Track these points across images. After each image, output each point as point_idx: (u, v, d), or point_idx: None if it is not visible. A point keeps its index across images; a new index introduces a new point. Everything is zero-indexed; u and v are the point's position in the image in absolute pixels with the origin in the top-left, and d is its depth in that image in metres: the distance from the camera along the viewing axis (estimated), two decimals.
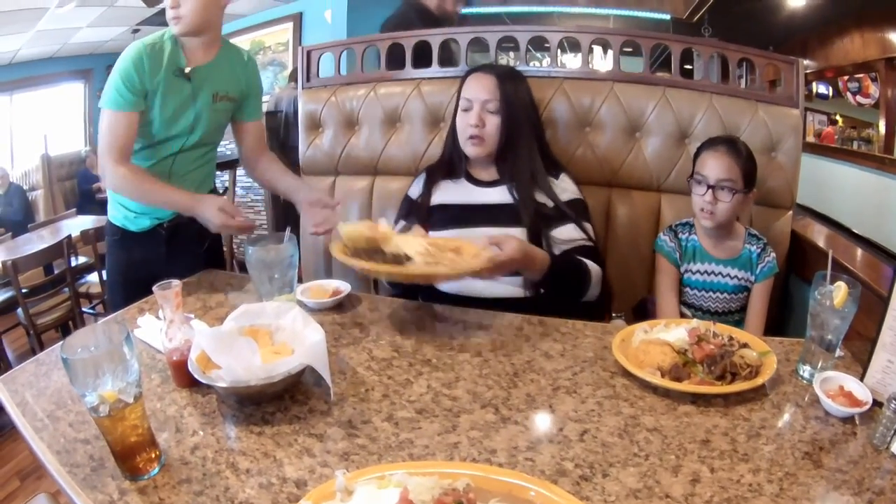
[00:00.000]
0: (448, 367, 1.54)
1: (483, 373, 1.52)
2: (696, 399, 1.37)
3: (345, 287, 2.01)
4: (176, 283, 1.40)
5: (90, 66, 8.15)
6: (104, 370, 1.06)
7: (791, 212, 2.37)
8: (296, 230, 2.00)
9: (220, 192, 2.71)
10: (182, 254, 2.35)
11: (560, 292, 1.98)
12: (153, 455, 1.16)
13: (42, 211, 6.92)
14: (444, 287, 2.11)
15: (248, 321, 1.49)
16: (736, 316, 2.24)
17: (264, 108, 6.94)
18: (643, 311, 2.44)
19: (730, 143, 2.12)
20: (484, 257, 1.70)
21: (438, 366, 1.55)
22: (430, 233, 2.11)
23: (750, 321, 2.19)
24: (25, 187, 6.90)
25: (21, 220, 6.02)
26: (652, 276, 2.41)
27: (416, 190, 2.29)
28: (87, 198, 7.30)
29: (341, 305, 1.96)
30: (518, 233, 2.02)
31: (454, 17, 3.75)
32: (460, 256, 1.74)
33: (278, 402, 1.36)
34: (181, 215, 2.26)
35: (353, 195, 2.76)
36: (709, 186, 2.09)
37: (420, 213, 2.19)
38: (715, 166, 2.09)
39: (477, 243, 1.81)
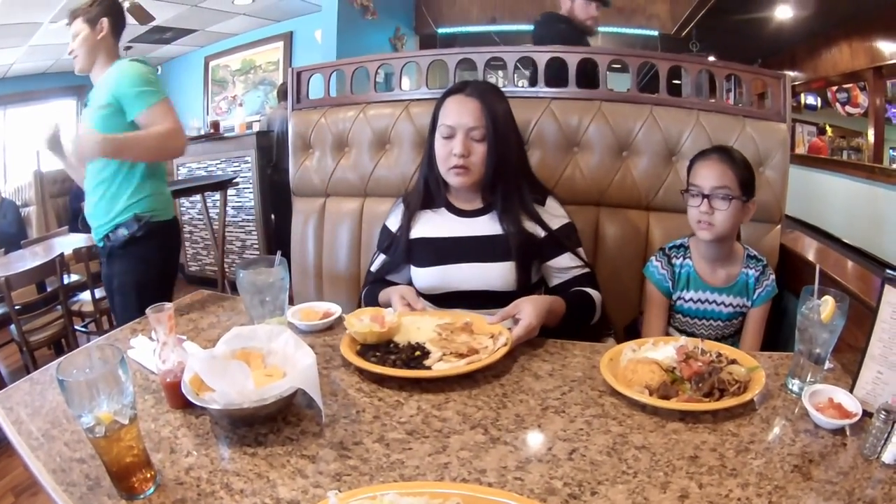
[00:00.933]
0: (438, 388, 1.54)
1: (472, 393, 1.52)
2: (685, 416, 1.38)
3: (335, 309, 2.00)
4: (169, 306, 1.41)
5: (83, 83, 7.82)
6: (99, 392, 1.08)
7: (780, 226, 2.37)
8: (286, 252, 2.01)
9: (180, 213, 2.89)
10: (123, 273, 2.69)
11: (570, 326, 1.94)
12: (148, 475, 1.16)
13: (35, 227, 6.88)
14: (425, 283, 2.10)
15: (239, 344, 1.50)
16: (729, 340, 2.18)
17: (256, 127, 7.01)
18: (635, 330, 2.41)
19: (722, 151, 2.07)
20: (502, 342, 1.67)
21: (428, 387, 1.55)
22: (414, 268, 2.12)
23: (745, 344, 2.14)
24: (18, 203, 6.88)
25: (14, 233, 5.99)
26: (642, 293, 2.39)
27: (394, 221, 2.21)
28: (80, 215, 7.10)
29: (332, 327, 1.96)
30: (508, 266, 2.01)
31: (593, 30, 3.82)
32: (474, 338, 1.72)
33: (271, 424, 1.37)
34: (109, 236, 2.71)
35: (343, 217, 2.76)
36: (704, 196, 2.01)
37: (400, 248, 2.14)
38: (708, 175, 2.02)
39: (489, 319, 1.81)
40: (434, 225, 2.13)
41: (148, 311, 1.41)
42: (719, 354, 1.56)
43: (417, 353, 1.65)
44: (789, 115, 2.35)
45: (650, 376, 1.48)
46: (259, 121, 7.53)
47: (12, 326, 3.89)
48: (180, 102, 8.65)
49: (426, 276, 2.10)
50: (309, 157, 2.82)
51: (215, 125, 7.30)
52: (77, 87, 8.04)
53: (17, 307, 3.75)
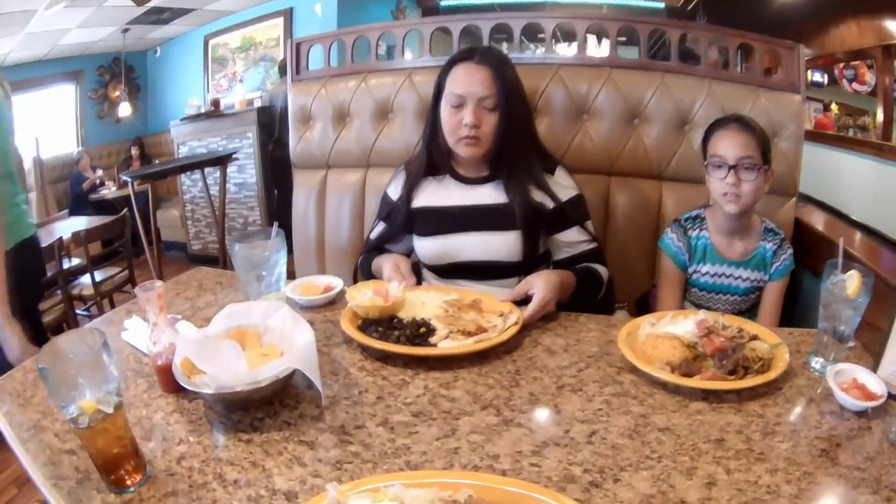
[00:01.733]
0: (445, 365, 1.47)
1: (483, 371, 1.45)
2: (708, 395, 1.31)
3: (336, 283, 1.93)
4: (159, 285, 1.34)
5: (81, 68, 8.09)
6: (82, 380, 1.01)
7: (794, 199, 2.30)
8: (286, 225, 1.94)
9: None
10: None
11: (578, 302, 1.86)
12: (138, 466, 1.10)
13: (35, 213, 6.82)
14: (428, 253, 2.04)
15: (234, 322, 1.43)
16: (745, 315, 2.05)
17: (258, 103, 7.03)
18: (646, 304, 2.37)
19: (740, 120, 1.99)
20: (512, 321, 1.60)
21: (435, 365, 1.47)
22: (416, 238, 2.07)
23: (762, 320, 2.06)
24: None
25: None
26: (654, 267, 2.36)
27: (395, 189, 2.14)
28: (80, 200, 7.28)
29: (333, 302, 1.88)
30: (513, 236, 1.94)
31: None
32: (482, 316, 1.65)
33: (267, 408, 1.29)
34: None
35: (345, 189, 2.71)
36: (730, 167, 1.93)
37: (401, 217, 2.09)
38: (732, 145, 1.94)
39: (499, 295, 1.75)
40: (437, 194, 2.06)
41: (137, 289, 1.34)
42: (740, 329, 1.49)
43: (422, 329, 1.58)
44: (804, 86, 2.27)
45: (671, 352, 1.41)
46: (260, 97, 7.50)
47: None
48: (181, 82, 8.69)
49: (429, 247, 2.04)
50: (309, 129, 2.76)
51: (216, 103, 7.21)
52: (76, 72, 8.04)
53: None
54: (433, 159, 2.06)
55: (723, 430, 1.20)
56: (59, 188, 7.52)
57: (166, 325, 1.38)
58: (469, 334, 1.54)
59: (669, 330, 1.51)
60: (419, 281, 2.10)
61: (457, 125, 1.89)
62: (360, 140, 2.67)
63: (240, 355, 1.28)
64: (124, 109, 8.33)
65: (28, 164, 6.98)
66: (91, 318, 4.50)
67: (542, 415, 1.28)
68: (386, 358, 1.51)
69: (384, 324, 1.62)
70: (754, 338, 1.47)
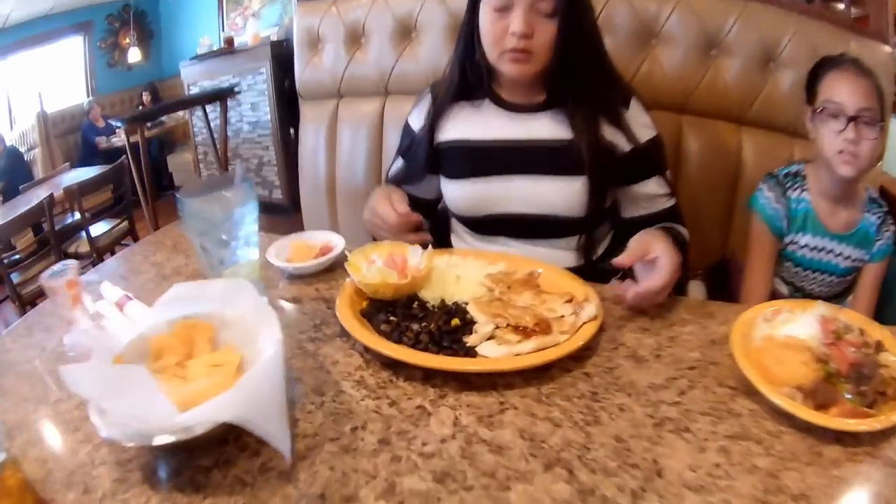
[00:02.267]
0: (486, 380, 1.01)
1: (543, 392, 0.99)
2: (842, 435, 0.89)
3: (337, 241, 1.49)
4: (71, 270, 0.94)
5: (90, 18, 7.96)
6: None
7: (881, 164, 1.97)
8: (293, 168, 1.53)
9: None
10: None
11: None
12: None
13: (41, 169, 6.89)
14: (460, 202, 1.64)
15: (180, 311, 1.04)
16: (838, 301, 1.82)
17: (273, 37, 6.94)
18: (721, 274, 2.08)
19: (857, 63, 1.64)
20: (590, 313, 1.12)
21: (471, 379, 1.02)
22: (444, 181, 1.66)
23: (858, 310, 1.64)
24: (24, 148, 6.92)
25: (18, 180, 5.87)
26: (730, 228, 2.12)
27: (417, 117, 1.70)
28: (91, 150, 7.24)
29: (332, 269, 1.45)
30: (578, 184, 1.50)
31: None
32: (542, 300, 1.19)
33: (218, 451, 0.89)
34: None
35: (360, 120, 2.44)
36: (849, 119, 1.58)
37: (422, 152, 1.66)
38: (850, 91, 1.59)
39: (559, 262, 1.38)
40: (472, 122, 1.62)
41: (41, 278, 1.00)
42: (862, 332, 1.04)
43: (455, 320, 1.12)
44: (893, 37, 1.98)
45: (803, 371, 0.96)
46: (276, 32, 7.32)
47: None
48: (195, 25, 8.47)
49: (461, 192, 1.62)
50: (318, 54, 2.50)
51: (229, 41, 7.03)
52: (84, 23, 7.93)
53: (15, 257, 3.74)
54: (467, 79, 1.61)
55: (860, 489, 0.84)
56: (70, 140, 7.54)
57: (88, 322, 0.98)
58: (525, 332, 1.08)
59: (790, 331, 1.06)
60: (447, 236, 1.75)
61: (501, 34, 1.42)
62: (378, 64, 2.38)
63: (153, 391, 0.83)
64: (134, 55, 8.23)
65: (32, 121, 7.11)
66: None
67: (636, 477, 0.83)
68: (398, 365, 1.06)
69: (399, 308, 1.18)
70: (879, 345, 1.02)
